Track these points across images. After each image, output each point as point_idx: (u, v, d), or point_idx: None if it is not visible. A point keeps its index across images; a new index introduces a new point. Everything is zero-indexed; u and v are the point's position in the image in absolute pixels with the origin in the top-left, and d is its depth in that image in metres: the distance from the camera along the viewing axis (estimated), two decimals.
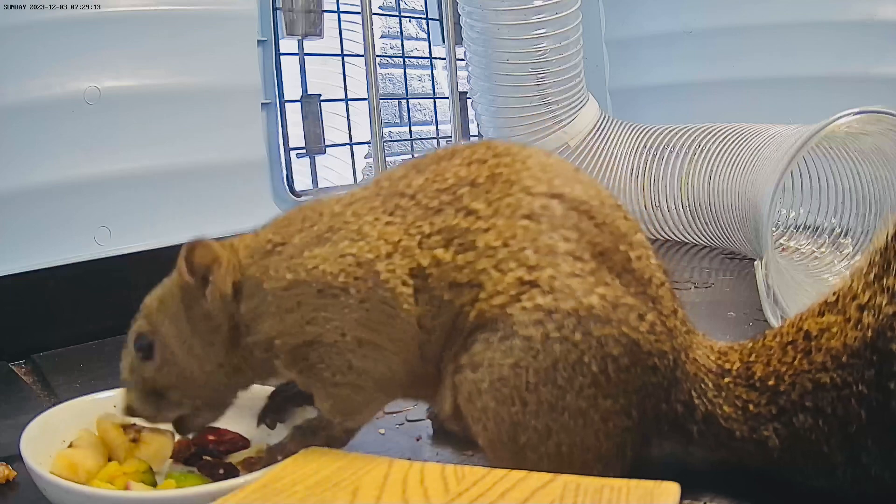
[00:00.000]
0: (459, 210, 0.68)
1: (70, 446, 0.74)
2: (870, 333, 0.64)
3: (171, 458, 0.75)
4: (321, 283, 0.67)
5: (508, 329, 0.64)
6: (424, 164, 0.72)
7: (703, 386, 0.69)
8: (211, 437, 0.77)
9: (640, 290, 0.67)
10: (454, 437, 0.84)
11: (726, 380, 0.70)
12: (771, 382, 0.68)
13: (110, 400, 0.80)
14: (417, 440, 0.85)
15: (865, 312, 0.64)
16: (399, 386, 0.70)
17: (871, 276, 0.66)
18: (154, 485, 0.71)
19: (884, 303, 0.64)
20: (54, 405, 0.81)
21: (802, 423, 0.66)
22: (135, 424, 0.76)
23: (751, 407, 0.68)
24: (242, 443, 0.78)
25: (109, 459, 0.74)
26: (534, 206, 0.67)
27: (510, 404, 0.65)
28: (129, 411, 0.72)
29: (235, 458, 0.75)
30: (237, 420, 0.78)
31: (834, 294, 0.68)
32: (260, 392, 0.77)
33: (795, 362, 0.67)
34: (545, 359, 0.64)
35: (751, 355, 0.71)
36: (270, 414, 0.77)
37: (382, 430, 0.87)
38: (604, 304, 0.65)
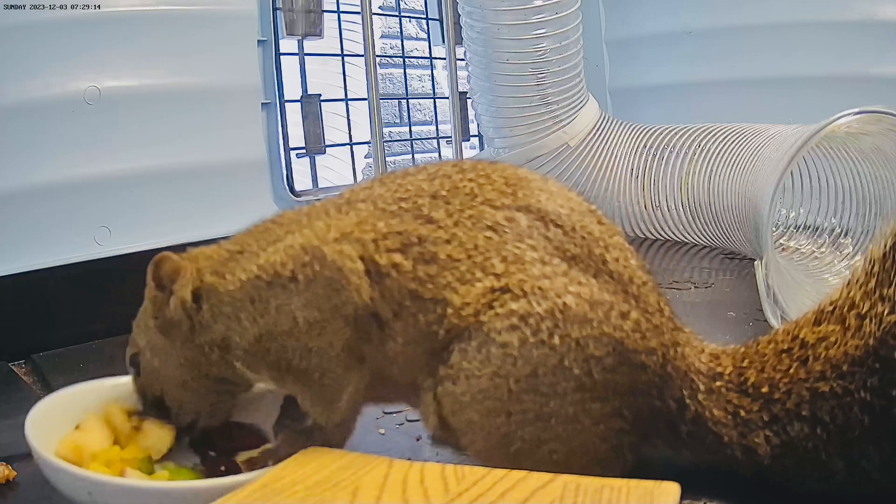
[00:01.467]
0: (418, 217, 0.68)
1: (77, 429, 0.74)
2: (871, 342, 0.63)
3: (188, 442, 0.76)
4: (270, 274, 0.68)
5: (483, 336, 0.64)
6: (391, 178, 0.73)
7: (693, 386, 0.69)
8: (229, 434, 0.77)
9: (619, 289, 0.67)
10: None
11: (718, 383, 0.69)
12: (764, 390, 0.67)
13: (122, 385, 0.80)
14: (417, 440, 0.85)
15: (866, 321, 0.64)
16: (366, 367, 0.70)
17: (871, 285, 0.65)
18: (150, 473, 0.72)
19: (885, 312, 0.63)
20: None
21: (798, 432, 0.65)
22: (141, 412, 0.77)
23: (742, 412, 0.68)
24: (257, 442, 0.77)
25: (116, 444, 0.75)
26: (497, 218, 0.67)
27: (495, 416, 0.64)
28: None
29: (242, 456, 0.75)
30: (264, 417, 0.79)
31: (831, 304, 0.68)
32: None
33: (791, 371, 0.67)
34: (524, 366, 0.63)
35: (743, 360, 0.70)
36: (287, 421, 0.77)
37: (382, 430, 0.87)
38: (579, 303, 0.64)
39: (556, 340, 0.63)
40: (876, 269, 0.65)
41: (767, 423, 0.67)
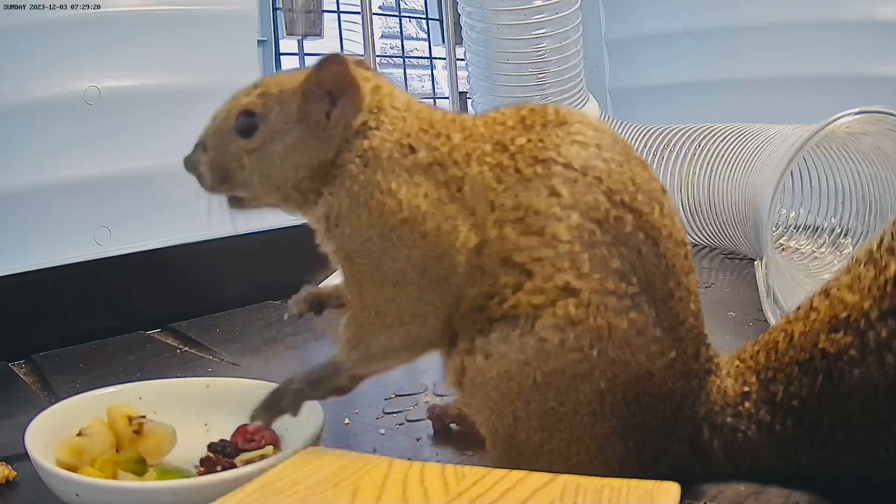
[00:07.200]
0: (545, 188, 0.65)
1: (79, 434, 0.75)
2: (893, 374, 0.63)
3: None
4: (410, 214, 0.66)
5: (528, 327, 0.64)
6: (532, 122, 0.69)
7: (717, 421, 0.68)
8: (240, 437, 0.77)
9: (670, 327, 0.66)
10: (454, 437, 0.85)
11: (747, 404, 0.69)
12: (794, 404, 0.67)
13: (123, 392, 0.82)
14: (417, 440, 0.85)
15: (887, 353, 0.63)
16: (424, 343, 0.70)
17: (885, 306, 0.64)
18: (143, 475, 0.72)
19: None
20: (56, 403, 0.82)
21: (835, 440, 0.66)
22: (144, 417, 0.77)
23: (777, 427, 0.67)
24: (265, 444, 0.77)
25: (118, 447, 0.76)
26: (610, 214, 0.65)
27: (513, 399, 0.65)
28: (192, 166, 0.73)
29: (242, 457, 0.75)
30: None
31: (845, 309, 0.66)
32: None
33: (818, 385, 0.66)
34: (555, 363, 0.63)
35: (768, 371, 0.69)
36: (302, 304, 0.78)
37: (382, 430, 0.87)
38: (631, 329, 0.64)
39: (594, 353, 0.63)
40: (890, 289, 0.64)
41: (802, 434, 0.67)
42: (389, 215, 0.66)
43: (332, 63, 0.67)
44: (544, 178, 0.65)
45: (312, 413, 0.75)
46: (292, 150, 0.69)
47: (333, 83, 0.68)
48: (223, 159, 0.71)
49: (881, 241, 0.67)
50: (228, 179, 0.71)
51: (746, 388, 0.69)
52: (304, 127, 0.69)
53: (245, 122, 0.70)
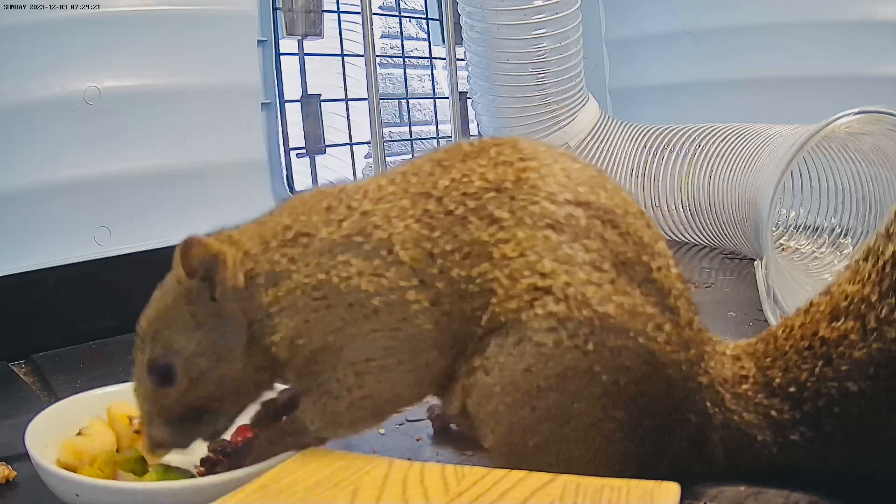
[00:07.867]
0: (483, 218, 0.66)
1: (79, 434, 0.75)
2: (895, 348, 0.63)
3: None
4: (354, 297, 0.65)
5: (521, 334, 0.64)
6: (450, 162, 0.70)
7: (718, 396, 0.69)
8: (240, 437, 0.77)
9: (659, 300, 0.66)
10: (454, 437, 0.85)
11: (744, 387, 0.69)
12: (792, 390, 0.67)
13: (124, 391, 0.81)
14: (417, 440, 0.85)
15: (887, 327, 0.64)
16: (396, 408, 0.70)
17: (885, 286, 0.65)
18: (143, 475, 0.72)
19: None
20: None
21: (833, 429, 0.66)
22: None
23: (773, 413, 0.68)
24: None
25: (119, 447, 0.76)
26: (558, 216, 0.65)
27: (519, 408, 0.64)
28: (159, 446, 0.68)
29: None
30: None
31: (845, 297, 0.67)
32: None
33: (817, 370, 0.66)
34: (556, 365, 0.63)
35: (766, 359, 0.70)
36: (264, 422, 0.76)
37: (382, 430, 0.87)
38: (621, 313, 0.64)
39: (591, 346, 0.63)
40: (889, 270, 0.65)
41: (800, 421, 0.67)
42: (337, 309, 0.65)
43: (189, 248, 0.66)
44: (479, 210, 0.66)
45: None
46: (214, 352, 0.66)
47: (201, 264, 0.66)
48: (174, 414, 0.68)
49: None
50: (196, 423, 0.69)
51: (744, 373, 0.70)
52: (204, 324, 0.67)
53: (158, 372, 0.67)
